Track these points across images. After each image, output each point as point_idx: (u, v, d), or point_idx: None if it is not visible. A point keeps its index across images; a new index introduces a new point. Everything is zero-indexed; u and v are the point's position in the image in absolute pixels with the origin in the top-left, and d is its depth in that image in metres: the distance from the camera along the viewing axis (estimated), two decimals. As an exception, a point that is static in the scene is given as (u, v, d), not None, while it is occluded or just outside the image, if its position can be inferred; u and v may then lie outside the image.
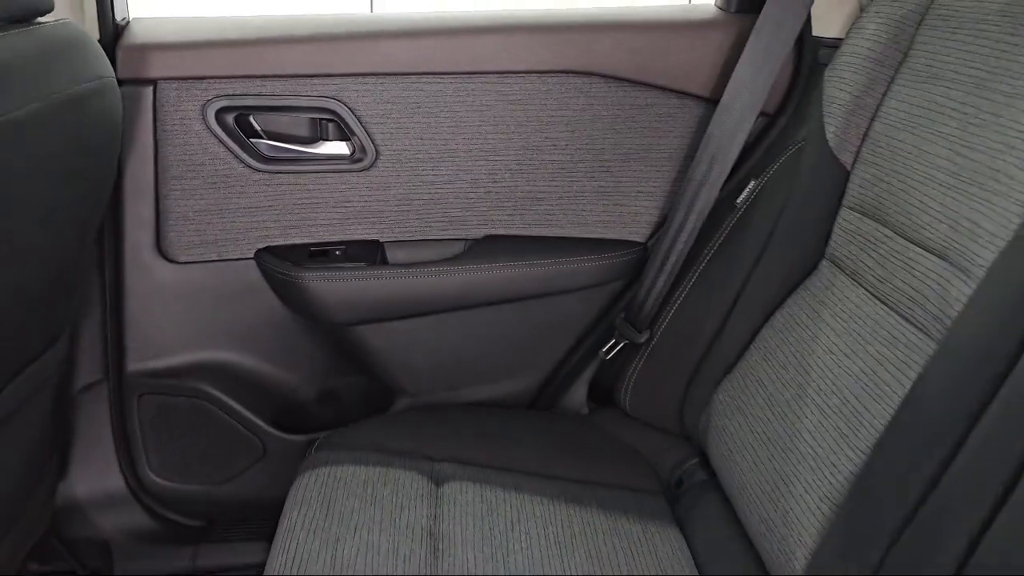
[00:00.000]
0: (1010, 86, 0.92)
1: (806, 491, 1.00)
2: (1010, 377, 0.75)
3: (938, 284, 0.94)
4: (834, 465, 0.97)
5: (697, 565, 1.15)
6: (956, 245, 0.93)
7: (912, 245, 1.01)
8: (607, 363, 1.47)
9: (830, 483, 0.97)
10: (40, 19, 0.99)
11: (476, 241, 1.46)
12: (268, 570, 1.04)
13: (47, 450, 1.35)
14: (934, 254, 0.96)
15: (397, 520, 1.11)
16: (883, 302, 1.03)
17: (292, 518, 1.12)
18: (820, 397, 1.05)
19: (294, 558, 1.04)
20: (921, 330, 0.95)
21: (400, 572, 1.03)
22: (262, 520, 1.57)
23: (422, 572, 1.03)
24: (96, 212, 1.18)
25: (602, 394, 1.52)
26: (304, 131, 1.38)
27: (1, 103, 0.84)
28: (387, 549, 1.06)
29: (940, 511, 0.77)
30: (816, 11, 1.34)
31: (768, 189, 1.32)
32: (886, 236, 1.06)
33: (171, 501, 1.55)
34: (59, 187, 1.00)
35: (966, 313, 0.85)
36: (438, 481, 1.22)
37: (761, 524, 1.07)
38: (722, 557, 1.15)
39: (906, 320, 0.99)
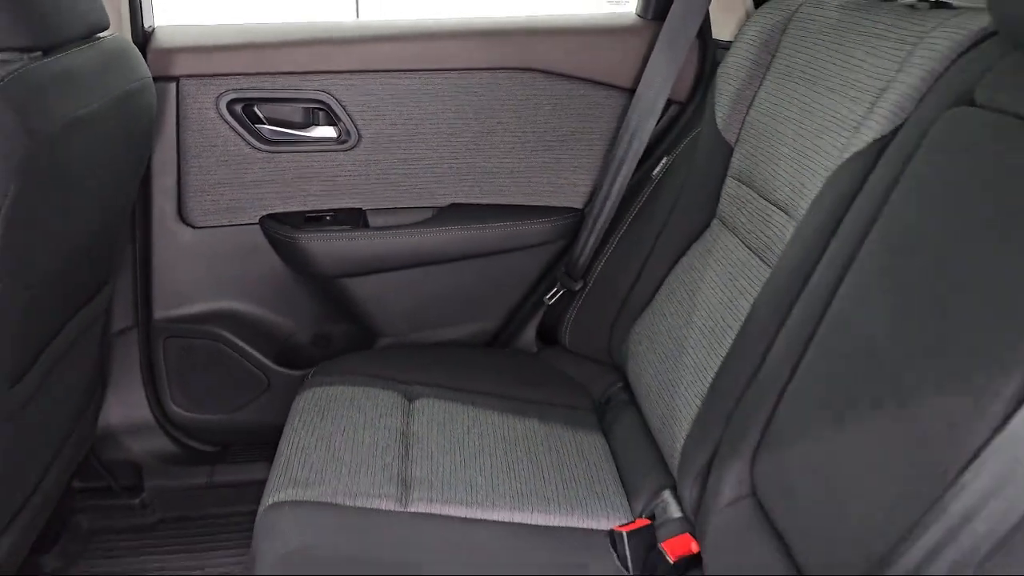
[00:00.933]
0: (833, 83, 1.23)
1: (686, 390, 1.32)
2: (807, 287, 1.06)
3: (781, 232, 1.25)
4: (704, 370, 1.29)
5: (616, 463, 1.46)
6: (793, 202, 1.24)
7: (769, 204, 1.32)
8: (550, 308, 1.78)
9: (701, 384, 1.28)
10: (99, 34, 1.28)
11: (442, 208, 1.76)
12: (277, 457, 1.35)
13: (94, 381, 1.65)
14: (781, 210, 1.28)
15: (377, 423, 1.42)
16: (749, 248, 1.35)
17: (294, 422, 1.43)
18: (700, 321, 1.37)
19: (296, 448, 1.35)
20: (768, 266, 1.27)
21: (379, 459, 1.34)
22: (267, 444, 1.88)
23: (396, 459, 1.35)
24: (135, 186, 1.49)
25: (547, 335, 1.84)
26: (299, 118, 1.68)
27: (71, 104, 1.13)
28: (369, 443, 1.37)
29: (757, 395, 1.09)
30: (716, 17, 1.65)
31: (676, 164, 1.63)
32: (754, 198, 1.37)
33: (191, 429, 1.85)
34: (109, 168, 1.30)
35: (787, 248, 1.17)
36: (410, 398, 1.53)
37: (658, 421, 1.39)
38: (632, 452, 1.46)
39: (762, 261, 1.30)
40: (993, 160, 0.83)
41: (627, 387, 1.63)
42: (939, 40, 1.03)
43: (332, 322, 1.88)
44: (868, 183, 1.03)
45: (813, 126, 1.24)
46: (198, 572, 1.75)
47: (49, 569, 1.69)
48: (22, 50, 1.06)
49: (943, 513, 0.71)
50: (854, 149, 1.08)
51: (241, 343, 1.78)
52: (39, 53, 1.08)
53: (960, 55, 1.00)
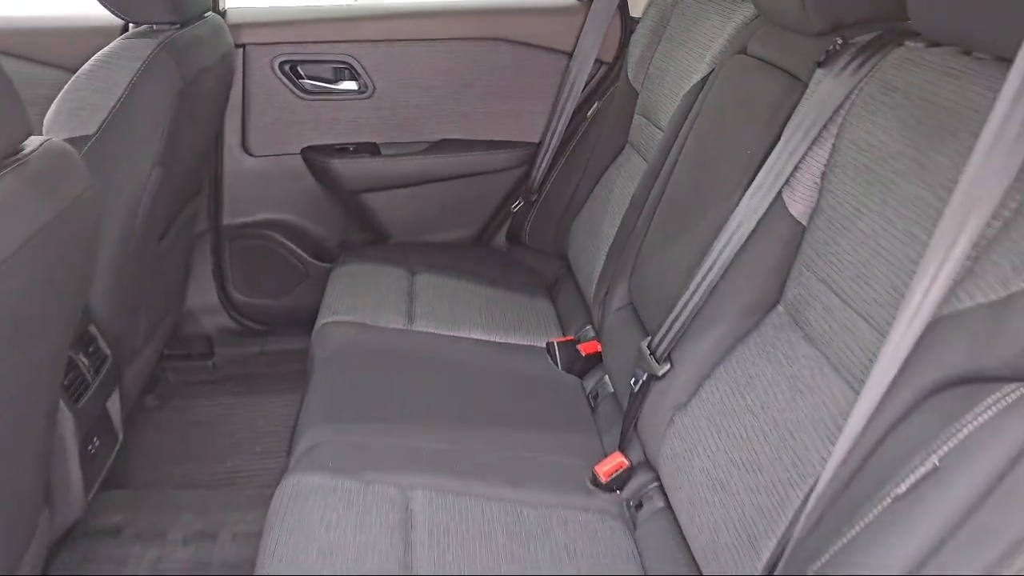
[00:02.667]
0: (691, 45, 1.85)
1: (599, 254, 1.95)
2: (662, 171, 1.71)
3: (656, 141, 1.88)
4: (610, 238, 1.92)
5: (557, 314, 2.10)
6: (663, 122, 1.87)
7: (653, 126, 1.95)
8: (515, 216, 2.42)
9: (606, 246, 1.92)
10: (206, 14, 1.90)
11: (434, 142, 2.39)
12: (324, 303, 1.98)
13: (187, 268, 2.28)
14: (660, 129, 1.90)
15: (390, 285, 2.06)
16: (643, 158, 1.98)
17: (334, 284, 2.07)
18: (612, 210, 2.00)
19: (336, 296, 1.99)
20: (640, 154, 1.91)
21: (393, 302, 1.97)
22: (305, 322, 2.50)
23: (404, 302, 1.98)
24: (222, 122, 2.11)
25: (513, 237, 2.47)
26: (330, 75, 2.31)
27: (200, 58, 1.75)
28: (385, 294, 2.01)
29: (633, 243, 1.73)
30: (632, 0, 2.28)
31: (603, 107, 2.27)
32: (647, 125, 2.00)
33: (247, 311, 2.49)
34: (213, 105, 1.93)
35: (657, 148, 1.80)
36: (413, 274, 2.16)
37: (585, 281, 2.02)
38: (569, 305, 2.10)
39: (645, 161, 1.93)
40: (748, 86, 1.47)
41: (568, 269, 2.27)
42: (737, 14, 1.67)
43: (353, 231, 2.51)
44: (695, 103, 1.67)
45: (678, 73, 1.87)
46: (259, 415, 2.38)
47: (150, 405, 2.32)
48: (171, 23, 1.69)
49: None
50: (691, 83, 1.72)
51: (287, 243, 2.42)
52: (178, 25, 1.71)
53: (745, 24, 1.63)
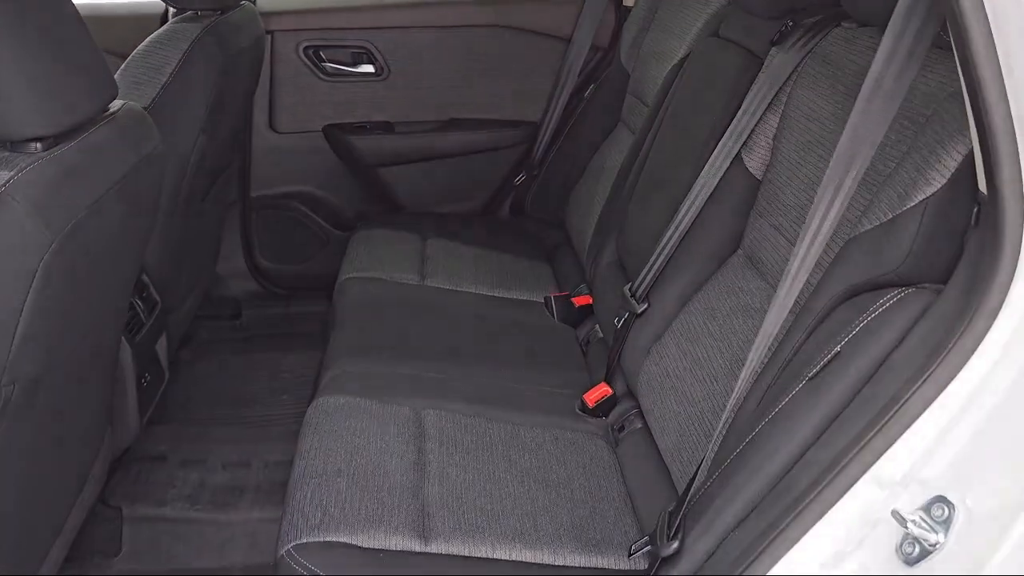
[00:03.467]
0: (677, 31, 2.07)
1: (593, 217, 2.17)
2: (644, 143, 1.93)
3: (642, 118, 2.10)
4: (600, 205, 2.14)
5: (554, 275, 2.32)
6: (649, 100, 2.08)
7: (642, 104, 2.17)
8: (518, 189, 2.64)
9: (598, 212, 2.14)
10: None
11: (444, 121, 2.61)
12: (344, 267, 2.20)
13: (218, 235, 2.51)
14: (647, 106, 2.12)
15: (404, 248, 2.29)
16: (632, 131, 2.20)
17: (354, 244, 2.29)
18: (605, 181, 2.22)
19: (357, 252, 2.21)
20: (630, 130, 2.13)
21: (407, 262, 2.20)
22: (324, 287, 2.73)
23: (417, 262, 2.21)
24: (251, 103, 2.34)
25: (516, 209, 2.69)
26: (349, 59, 2.53)
27: (231, 46, 1.97)
28: (397, 259, 2.23)
29: (622, 205, 1.95)
30: (626, -9, 2.50)
31: (598, 89, 2.49)
32: (639, 103, 2.22)
33: (272, 275, 2.71)
34: (244, 93, 2.15)
35: (641, 124, 2.02)
36: (424, 239, 2.38)
37: (578, 240, 2.24)
38: (564, 269, 2.32)
39: (632, 133, 2.14)
40: (716, 63, 1.69)
41: (566, 238, 2.48)
42: (714, 2, 1.89)
43: (369, 202, 2.73)
44: (675, 79, 1.89)
45: (663, 55, 2.08)
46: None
47: (185, 359, 2.55)
48: (213, 10, 1.91)
49: None
50: (671, 63, 1.94)
51: (309, 213, 2.64)
52: (219, 12, 1.94)
53: (719, 10, 1.85)
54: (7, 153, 1.03)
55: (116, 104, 1.26)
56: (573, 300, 2.08)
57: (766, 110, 1.47)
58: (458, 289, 2.13)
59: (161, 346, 1.92)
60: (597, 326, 1.98)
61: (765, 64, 1.53)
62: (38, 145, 1.04)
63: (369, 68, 2.54)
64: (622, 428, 1.66)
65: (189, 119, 1.80)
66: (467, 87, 2.59)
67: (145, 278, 1.82)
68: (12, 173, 0.98)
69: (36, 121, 1.03)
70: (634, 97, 2.26)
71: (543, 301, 2.12)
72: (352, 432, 1.48)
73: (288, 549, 1.23)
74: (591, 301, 2.04)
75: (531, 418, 1.64)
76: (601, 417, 1.70)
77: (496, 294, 2.15)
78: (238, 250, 2.68)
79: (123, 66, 1.75)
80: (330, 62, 2.52)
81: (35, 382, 1.05)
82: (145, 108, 1.71)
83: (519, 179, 2.63)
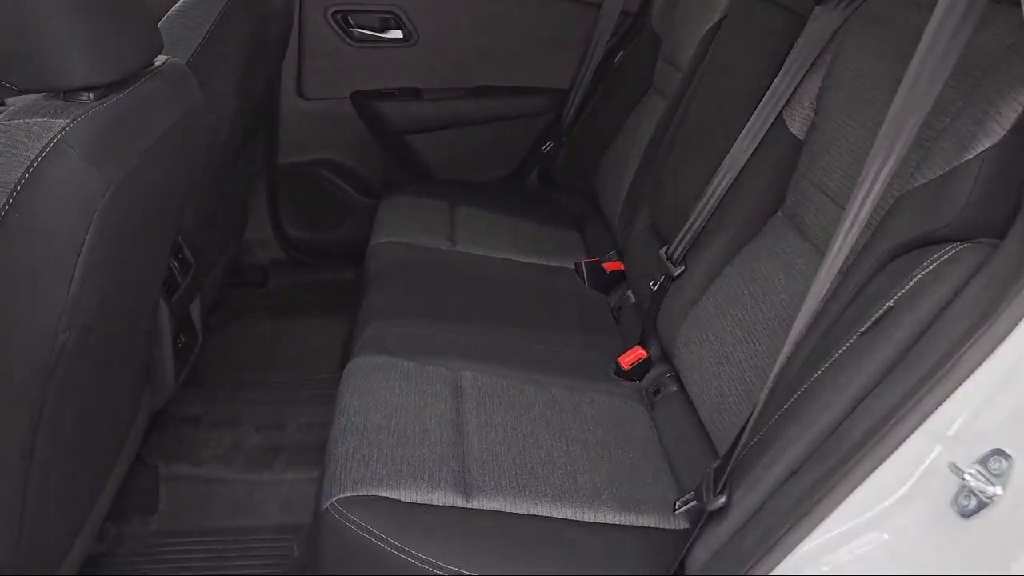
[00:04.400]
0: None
1: (626, 181, 2.16)
2: (680, 107, 1.92)
3: (676, 85, 2.08)
4: (632, 171, 2.13)
5: (585, 246, 2.32)
6: (683, 66, 2.07)
7: (675, 70, 2.15)
8: (545, 156, 2.63)
9: (632, 174, 2.13)
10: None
11: (473, 88, 2.60)
12: (375, 232, 2.20)
13: (246, 201, 2.51)
14: (680, 71, 2.10)
15: (433, 216, 2.29)
16: (664, 97, 2.18)
17: (383, 211, 2.29)
18: (638, 146, 2.20)
19: (388, 217, 2.21)
20: (662, 96, 2.11)
21: (434, 227, 2.20)
22: (351, 256, 2.73)
23: (447, 228, 2.20)
24: (279, 69, 2.33)
25: (544, 177, 2.68)
26: (378, 24, 2.52)
27: (262, 9, 1.96)
28: (427, 225, 2.23)
29: (652, 172, 1.94)
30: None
31: (629, 55, 2.47)
32: (672, 69, 2.20)
33: (298, 243, 2.72)
34: (273, 58, 2.15)
35: (676, 89, 2.01)
36: (452, 206, 2.38)
37: (611, 204, 2.23)
38: (593, 236, 2.32)
39: (664, 99, 2.13)
40: (755, 24, 1.68)
41: (596, 206, 2.47)
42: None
43: (397, 170, 2.72)
44: (711, 42, 1.87)
45: (697, 19, 2.06)
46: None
47: (213, 325, 2.56)
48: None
49: None
50: (707, 27, 1.93)
51: (336, 180, 2.64)
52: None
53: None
54: (60, 102, 1.03)
55: (160, 59, 1.27)
56: (604, 266, 2.08)
57: (809, 70, 1.46)
58: (489, 255, 2.13)
59: (195, 309, 1.93)
60: (629, 292, 1.98)
61: (808, 23, 1.51)
62: (90, 95, 1.05)
63: (398, 34, 2.52)
64: (657, 391, 1.66)
65: (223, 80, 1.79)
66: (496, 53, 2.57)
67: (180, 240, 1.82)
68: (67, 121, 0.98)
69: (89, 70, 1.03)
70: (666, 63, 2.24)
71: (574, 267, 2.12)
72: (391, 391, 1.48)
73: (333, 503, 1.24)
74: (622, 267, 2.04)
75: (567, 381, 1.64)
76: (635, 380, 1.70)
77: (527, 260, 2.15)
78: (265, 217, 2.68)
79: (158, 25, 1.75)
80: (358, 27, 2.51)
81: (88, 330, 1.06)
82: (182, 67, 1.72)
83: (547, 147, 2.62)
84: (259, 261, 2.72)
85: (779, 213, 1.50)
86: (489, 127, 2.63)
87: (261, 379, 2.25)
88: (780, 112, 1.50)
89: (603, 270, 2.07)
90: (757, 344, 1.34)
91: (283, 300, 2.71)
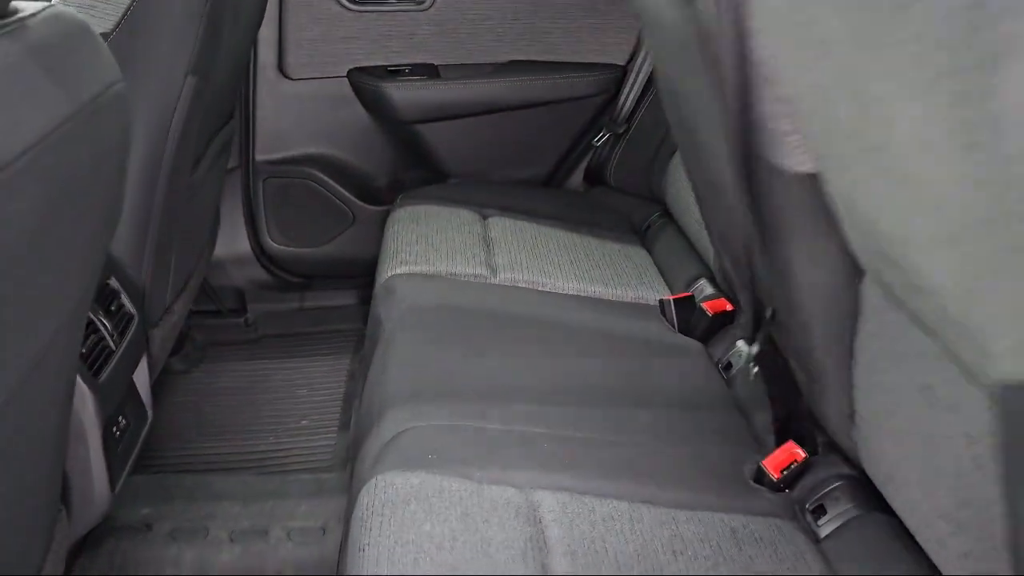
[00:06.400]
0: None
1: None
2: None
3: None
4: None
5: (658, 267, 1.77)
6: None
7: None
8: (596, 152, 2.08)
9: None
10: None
11: (502, 64, 2.04)
12: (384, 250, 1.65)
13: (216, 211, 1.95)
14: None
15: (462, 229, 1.73)
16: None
17: (395, 227, 1.74)
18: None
19: (401, 242, 1.66)
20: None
21: (469, 251, 1.64)
22: (350, 276, 2.18)
23: (482, 252, 1.65)
24: (255, 35, 1.76)
25: (593, 176, 2.14)
26: (382, -19, 1.96)
27: None
28: (455, 247, 1.67)
29: None
30: None
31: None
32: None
33: (283, 260, 2.16)
34: (251, 21, 1.58)
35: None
36: (484, 216, 1.83)
37: (695, 226, 1.69)
38: (673, 256, 1.77)
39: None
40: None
41: (665, 214, 1.93)
42: None
43: (406, 168, 2.17)
44: None
45: None
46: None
47: (176, 370, 2.00)
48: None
49: None
50: None
51: (330, 181, 2.08)
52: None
53: None
54: None
55: (27, 5, 0.70)
56: (704, 305, 1.53)
57: None
58: (541, 288, 1.58)
59: (141, 375, 1.37)
60: (739, 342, 1.44)
61: None
62: None
63: (409, -7, 1.97)
64: (820, 510, 1.12)
65: (172, 53, 1.24)
66: (534, 20, 2.01)
67: (114, 283, 1.27)
68: None
69: None
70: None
71: (658, 305, 1.58)
72: (438, 543, 0.94)
73: None
74: (730, 307, 1.50)
75: (689, 495, 1.11)
76: (783, 490, 1.17)
77: (591, 293, 1.60)
78: (240, 228, 2.12)
79: None
80: (357, -14, 1.95)
81: None
82: (107, 36, 1.16)
83: (599, 139, 2.07)
84: (234, 283, 2.17)
85: None
86: (523, 114, 2.08)
87: (235, 455, 1.71)
88: None
89: (703, 311, 1.52)
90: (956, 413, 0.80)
91: (265, 332, 2.17)
